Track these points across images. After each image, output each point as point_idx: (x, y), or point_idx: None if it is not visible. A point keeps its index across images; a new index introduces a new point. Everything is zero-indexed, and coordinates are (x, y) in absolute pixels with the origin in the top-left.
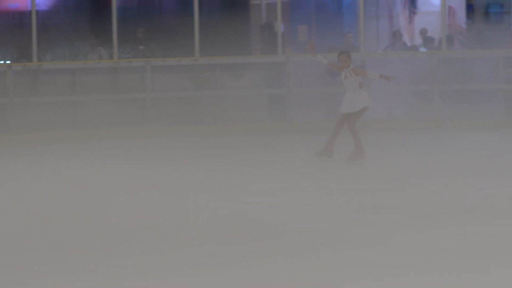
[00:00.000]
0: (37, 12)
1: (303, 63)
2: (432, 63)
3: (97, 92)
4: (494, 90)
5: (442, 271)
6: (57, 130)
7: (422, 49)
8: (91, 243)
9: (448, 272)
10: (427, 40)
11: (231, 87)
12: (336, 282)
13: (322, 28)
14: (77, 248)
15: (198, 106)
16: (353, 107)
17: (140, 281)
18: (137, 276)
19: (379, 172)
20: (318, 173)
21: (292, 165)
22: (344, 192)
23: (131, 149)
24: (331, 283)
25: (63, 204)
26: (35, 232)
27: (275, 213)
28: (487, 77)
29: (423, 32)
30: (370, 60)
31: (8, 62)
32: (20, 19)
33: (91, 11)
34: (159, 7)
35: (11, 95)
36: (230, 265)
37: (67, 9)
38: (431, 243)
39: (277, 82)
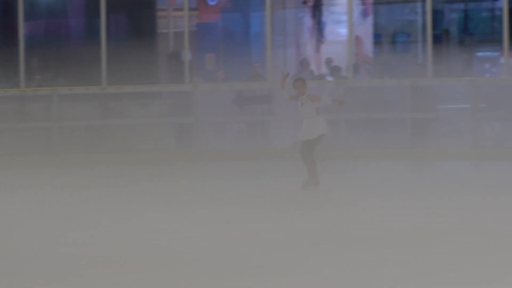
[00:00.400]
0: None
1: (210, 92)
2: (339, 92)
3: (2, 120)
4: (401, 119)
5: None
6: None
7: (329, 78)
8: None
9: None
10: (334, 69)
11: (137, 116)
12: None
13: (230, 57)
14: None
15: (104, 135)
16: (311, 134)
17: None
18: None
19: (280, 199)
20: (220, 199)
21: (196, 192)
22: (244, 220)
23: (36, 178)
24: None
25: None
26: None
27: (174, 241)
28: (394, 106)
29: (328, 61)
30: (276, 90)
31: None
32: None
33: None
34: (67, 35)
35: None
36: None
37: None
38: (331, 270)
39: (184, 111)
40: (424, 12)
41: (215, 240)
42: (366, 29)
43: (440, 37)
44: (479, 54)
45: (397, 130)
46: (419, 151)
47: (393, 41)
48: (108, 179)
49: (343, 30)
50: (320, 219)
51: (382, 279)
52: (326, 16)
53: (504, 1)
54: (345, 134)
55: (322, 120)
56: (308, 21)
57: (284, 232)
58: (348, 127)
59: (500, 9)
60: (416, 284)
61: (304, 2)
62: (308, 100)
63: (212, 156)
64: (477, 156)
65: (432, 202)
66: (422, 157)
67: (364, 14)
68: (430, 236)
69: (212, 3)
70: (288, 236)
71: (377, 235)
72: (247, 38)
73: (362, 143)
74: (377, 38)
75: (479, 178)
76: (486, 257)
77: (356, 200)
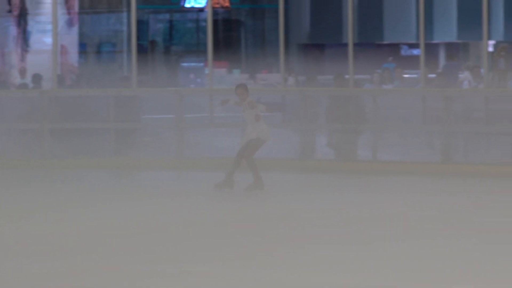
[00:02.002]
0: None
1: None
2: (43, 101)
3: None
4: (105, 129)
5: None
6: None
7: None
8: None
9: None
10: (35, 78)
11: None
12: None
13: None
14: None
15: None
16: (247, 139)
17: None
18: None
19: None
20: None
21: None
22: None
23: None
24: None
25: None
26: None
27: None
28: (99, 115)
29: (21, 71)
30: None
31: None
32: None
33: None
34: None
35: None
36: None
37: None
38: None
39: None
40: (129, 22)
41: None
42: (71, 39)
43: (145, 48)
44: (185, 64)
45: (101, 140)
46: (123, 161)
47: (98, 51)
48: None
49: (48, 40)
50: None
51: None
52: (32, 26)
53: (208, 13)
54: (49, 144)
55: (263, 126)
56: (13, 30)
57: None
58: (53, 136)
59: (205, 20)
60: None
61: (9, 11)
62: (248, 107)
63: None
64: (182, 166)
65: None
66: (127, 166)
67: (70, 23)
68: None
69: None
70: None
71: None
72: None
73: (66, 152)
74: (83, 47)
75: (181, 187)
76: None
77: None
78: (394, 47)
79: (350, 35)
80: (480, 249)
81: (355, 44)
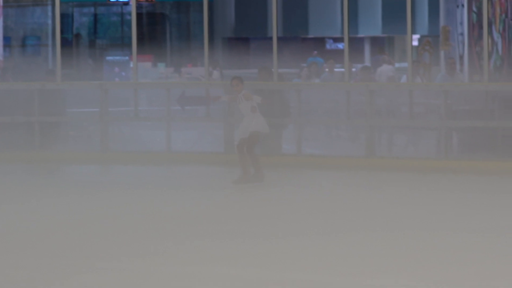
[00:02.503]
0: None
1: None
2: None
3: None
4: (29, 123)
5: None
6: None
7: None
8: None
9: None
10: None
11: None
12: None
13: None
14: None
15: None
16: (244, 132)
17: None
18: None
19: None
20: None
21: None
22: None
23: None
24: None
25: None
26: None
27: None
28: (23, 109)
29: None
30: None
31: None
32: None
33: None
34: None
35: None
36: None
37: None
38: None
39: None
40: (54, 16)
41: None
42: None
43: (70, 41)
44: (109, 58)
45: (26, 134)
46: (48, 155)
47: (23, 44)
48: None
49: None
50: None
51: None
52: None
53: (132, 6)
54: None
55: (259, 118)
56: None
57: None
58: None
59: (130, 14)
60: None
61: None
62: (243, 99)
63: None
64: (106, 159)
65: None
66: (51, 160)
67: None
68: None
69: None
70: None
71: None
72: None
73: None
74: (7, 41)
75: (106, 181)
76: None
77: None
78: (319, 41)
79: (274, 29)
80: (405, 242)
81: (280, 38)
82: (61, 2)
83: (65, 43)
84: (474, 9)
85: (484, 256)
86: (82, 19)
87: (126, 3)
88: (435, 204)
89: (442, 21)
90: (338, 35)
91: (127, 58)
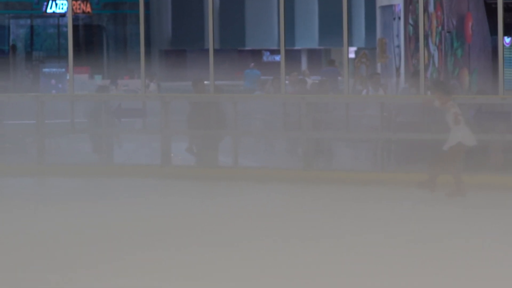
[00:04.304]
0: None
1: None
2: None
3: None
4: None
5: None
6: None
7: None
8: None
9: None
10: None
11: None
12: None
13: None
14: None
15: None
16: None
17: None
18: None
19: None
20: None
21: None
22: None
23: None
24: None
25: None
26: None
27: None
28: None
29: None
30: None
31: None
32: None
33: None
34: None
35: None
36: None
37: None
38: None
39: None
40: None
41: None
42: None
43: (6, 53)
44: (46, 70)
45: None
46: None
47: None
48: None
49: None
50: None
51: None
52: None
53: (69, 18)
54: None
55: (464, 130)
56: None
57: None
58: None
59: (66, 26)
60: None
61: None
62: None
63: None
64: (42, 172)
65: None
66: None
67: None
68: None
69: None
70: None
71: None
72: None
73: None
74: None
75: (42, 194)
76: None
77: None
78: (256, 53)
79: (210, 41)
80: (332, 254)
81: (217, 50)
82: None
83: (1, 54)
84: (411, 21)
85: (411, 265)
86: (18, 30)
87: (63, 15)
88: (366, 215)
89: (379, 34)
90: (275, 47)
91: (63, 70)
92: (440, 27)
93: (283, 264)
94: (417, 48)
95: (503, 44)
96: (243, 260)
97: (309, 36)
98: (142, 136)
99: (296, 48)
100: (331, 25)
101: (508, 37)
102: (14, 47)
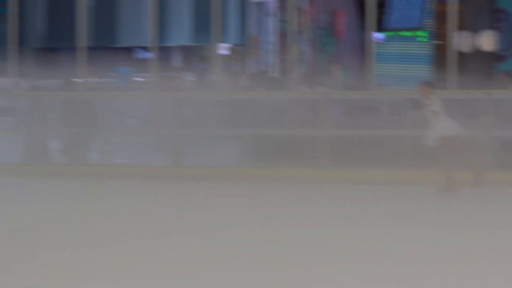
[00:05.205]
0: None
1: None
2: None
3: None
4: None
5: None
6: None
7: None
8: None
9: None
10: None
11: None
12: None
13: None
14: None
15: None
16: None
17: None
18: None
19: None
20: None
21: None
22: None
23: None
24: None
25: None
26: None
27: None
28: None
29: None
30: None
31: None
32: None
33: None
34: None
35: None
36: None
37: None
38: None
39: None
40: None
41: None
42: None
43: None
44: None
45: None
46: None
47: None
48: None
49: None
50: None
51: None
52: None
53: None
54: None
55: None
56: None
57: None
58: None
59: None
60: None
61: None
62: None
63: None
64: None
65: None
66: None
67: None
68: None
69: None
70: None
71: None
72: None
73: None
74: None
75: None
76: None
77: None
78: (127, 51)
79: (80, 39)
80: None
81: (88, 48)
82: None
83: None
84: (283, 18)
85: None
86: None
87: None
88: (225, 210)
89: (251, 30)
90: (146, 44)
91: None
92: (312, 23)
93: (150, 262)
94: (289, 45)
95: (373, 39)
96: (108, 261)
97: (181, 33)
98: (11, 135)
99: (168, 44)
100: (203, 21)
101: (380, 33)
102: None
